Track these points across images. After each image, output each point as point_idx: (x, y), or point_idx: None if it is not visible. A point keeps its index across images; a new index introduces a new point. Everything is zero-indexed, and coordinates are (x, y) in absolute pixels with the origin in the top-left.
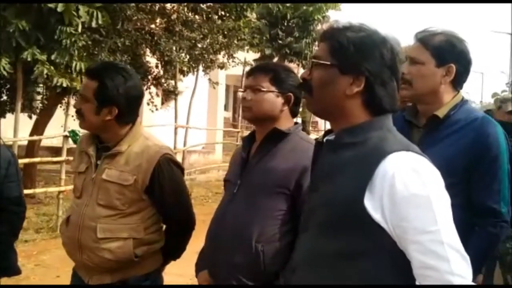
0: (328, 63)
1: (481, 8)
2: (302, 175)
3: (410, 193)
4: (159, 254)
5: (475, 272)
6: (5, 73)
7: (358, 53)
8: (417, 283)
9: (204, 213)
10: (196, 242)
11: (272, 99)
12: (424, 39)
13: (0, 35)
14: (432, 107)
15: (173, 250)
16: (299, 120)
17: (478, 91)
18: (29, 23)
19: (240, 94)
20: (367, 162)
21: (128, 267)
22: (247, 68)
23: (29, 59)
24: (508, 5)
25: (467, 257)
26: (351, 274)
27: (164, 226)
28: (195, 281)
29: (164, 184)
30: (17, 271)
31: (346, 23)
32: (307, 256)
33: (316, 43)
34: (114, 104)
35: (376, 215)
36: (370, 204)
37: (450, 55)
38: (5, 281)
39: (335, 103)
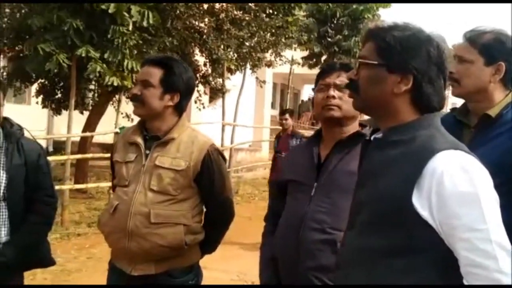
0: (376, 62)
1: None
2: None
3: (459, 191)
4: (198, 246)
5: None
6: (64, 65)
7: (405, 52)
8: (464, 281)
9: (250, 211)
10: (242, 239)
11: None
12: (473, 38)
13: (56, 33)
14: (482, 105)
15: (212, 241)
16: None
17: None
18: (83, 23)
19: (314, 91)
20: (416, 160)
21: (174, 257)
22: (295, 66)
23: (83, 55)
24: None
25: None
26: (396, 271)
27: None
28: (242, 278)
29: (214, 171)
30: (51, 262)
31: (391, 23)
32: (352, 253)
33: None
34: (177, 91)
35: (424, 213)
36: (418, 201)
37: (499, 53)
38: (52, 278)
39: (383, 101)
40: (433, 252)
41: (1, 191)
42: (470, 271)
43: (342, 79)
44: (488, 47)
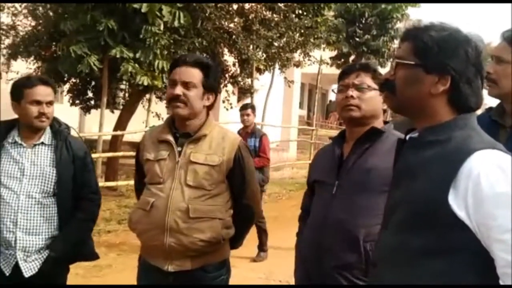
0: (413, 63)
1: None
2: None
3: (496, 191)
4: (229, 242)
5: None
6: (95, 68)
7: (443, 52)
8: (500, 282)
9: (277, 210)
10: (269, 238)
11: (377, 97)
12: (511, 38)
13: (89, 34)
14: None
15: (239, 237)
16: None
17: None
18: (116, 23)
19: (335, 92)
20: (452, 160)
21: (210, 252)
22: (323, 66)
23: (117, 56)
24: None
25: None
26: (434, 272)
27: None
28: (268, 276)
29: (245, 166)
30: (95, 256)
31: (428, 23)
32: (388, 253)
33: (395, 41)
34: (214, 91)
35: (461, 213)
36: (454, 201)
37: None
38: (83, 273)
39: (420, 102)
40: (470, 253)
41: (51, 186)
42: (506, 272)
43: (360, 79)
44: None
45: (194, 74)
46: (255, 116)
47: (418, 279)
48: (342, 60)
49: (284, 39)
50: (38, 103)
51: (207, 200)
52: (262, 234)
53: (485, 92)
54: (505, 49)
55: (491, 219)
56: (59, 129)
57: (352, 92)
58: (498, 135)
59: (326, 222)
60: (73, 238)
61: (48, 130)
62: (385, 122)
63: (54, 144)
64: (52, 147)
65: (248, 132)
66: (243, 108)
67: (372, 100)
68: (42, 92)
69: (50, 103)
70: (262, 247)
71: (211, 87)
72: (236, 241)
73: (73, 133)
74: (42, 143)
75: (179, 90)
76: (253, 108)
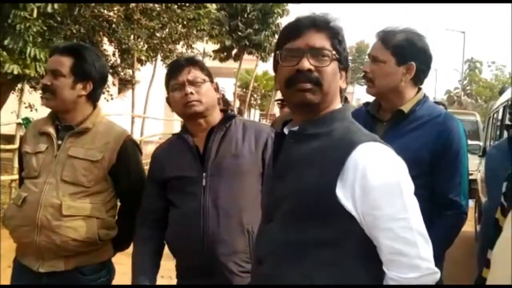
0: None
1: (435, 7)
2: (264, 151)
3: (382, 182)
4: (111, 243)
5: (438, 259)
6: None
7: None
8: (384, 268)
9: None
10: None
11: (211, 88)
12: (385, 38)
13: None
14: (395, 103)
15: (126, 237)
16: (256, 112)
17: (432, 88)
18: None
19: (174, 92)
20: (337, 152)
21: (85, 253)
22: (206, 59)
23: None
24: (458, 4)
25: (430, 242)
26: (322, 263)
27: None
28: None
29: (130, 163)
30: None
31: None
32: (275, 248)
33: (276, 36)
34: (90, 79)
35: (347, 204)
36: (341, 193)
37: (410, 54)
38: None
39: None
40: (356, 242)
41: None
42: (391, 259)
43: (193, 74)
44: (400, 48)
45: (62, 62)
46: None
47: (308, 272)
48: (225, 53)
49: (167, 30)
50: None
51: (85, 197)
52: None
53: (363, 89)
54: (380, 48)
55: (378, 209)
56: None
57: (190, 89)
58: (375, 129)
59: (206, 214)
60: None
61: None
62: (222, 110)
63: None
64: None
65: None
66: None
67: (208, 92)
68: None
69: None
70: None
71: (86, 75)
72: (122, 242)
73: None
74: None
75: (46, 79)
76: None
